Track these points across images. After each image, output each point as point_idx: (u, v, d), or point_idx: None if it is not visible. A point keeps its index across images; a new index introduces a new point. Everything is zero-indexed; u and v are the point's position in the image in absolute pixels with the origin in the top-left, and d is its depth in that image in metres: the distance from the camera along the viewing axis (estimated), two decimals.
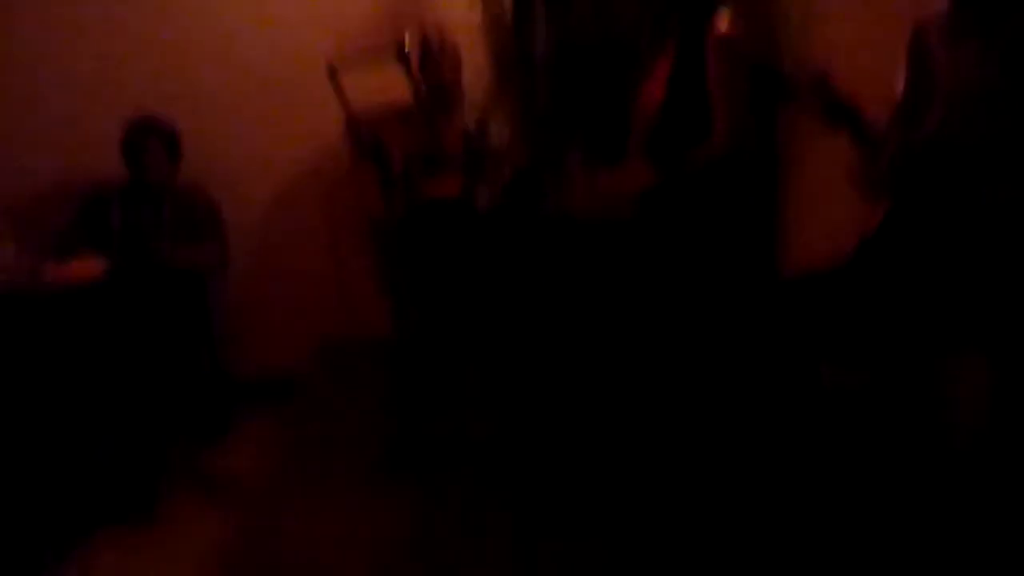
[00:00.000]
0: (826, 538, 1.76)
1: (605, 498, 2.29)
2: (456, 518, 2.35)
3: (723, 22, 2.21)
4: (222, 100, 3.45)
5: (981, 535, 1.55)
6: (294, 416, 3.27)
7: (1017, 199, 1.46)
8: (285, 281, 3.58)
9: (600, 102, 3.10)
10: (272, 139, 3.51)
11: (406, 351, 3.14)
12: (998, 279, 1.48)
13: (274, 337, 3.54)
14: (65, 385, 2.63)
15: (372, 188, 3.07)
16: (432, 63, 3.36)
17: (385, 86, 2.88)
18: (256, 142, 3.49)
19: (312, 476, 2.77)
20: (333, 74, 2.74)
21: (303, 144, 3.55)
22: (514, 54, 3.47)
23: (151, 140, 3.14)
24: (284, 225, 3.58)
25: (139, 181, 3.18)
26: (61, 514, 2.53)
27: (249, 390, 3.47)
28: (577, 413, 2.46)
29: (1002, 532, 1.52)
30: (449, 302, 3.26)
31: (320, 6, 3.50)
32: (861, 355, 1.69)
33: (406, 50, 2.53)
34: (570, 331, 2.45)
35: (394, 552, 2.24)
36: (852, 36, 2.73)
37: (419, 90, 2.56)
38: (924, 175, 1.60)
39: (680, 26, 2.27)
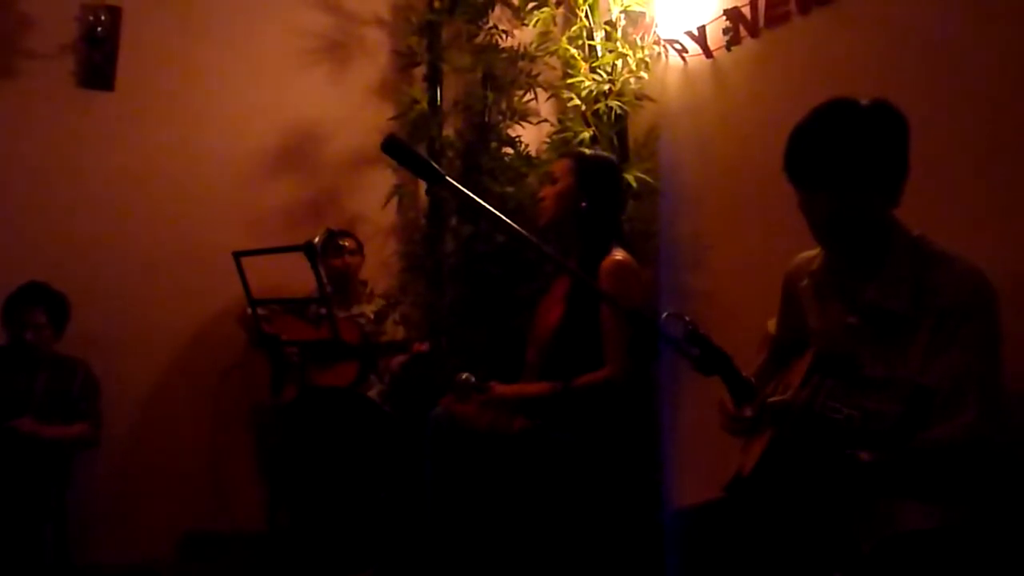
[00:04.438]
0: None
1: None
2: None
3: (619, 253, 2.38)
4: (115, 271, 3.37)
5: None
6: None
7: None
8: (156, 463, 3.37)
9: (499, 312, 3.19)
10: (162, 317, 3.43)
11: (280, 545, 2.96)
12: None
13: (138, 522, 3.27)
14: None
15: (261, 374, 3.02)
16: (337, 257, 3.44)
17: (288, 275, 2.91)
18: (146, 318, 3.40)
19: None
20: (239, 260, 2.75)
21: (194, 326, 3.49)
22: (424, 252, 3.59)
23: (37, 307, 3.03)
24: (164, 406, 3.43)
25: (17, 345, 3.04)
26: None
27: None
28: None
29: None
30: (332, 494, 3.13)
31: (233, 197, 3.57)
32: None
33: (315, 243, 2.58)
34: (454, 538, 2.37)
35: None
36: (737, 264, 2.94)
37: (321, 282, 2.58)
38: (801, 418, 1.65)
39: (579, 252, 2.41)
